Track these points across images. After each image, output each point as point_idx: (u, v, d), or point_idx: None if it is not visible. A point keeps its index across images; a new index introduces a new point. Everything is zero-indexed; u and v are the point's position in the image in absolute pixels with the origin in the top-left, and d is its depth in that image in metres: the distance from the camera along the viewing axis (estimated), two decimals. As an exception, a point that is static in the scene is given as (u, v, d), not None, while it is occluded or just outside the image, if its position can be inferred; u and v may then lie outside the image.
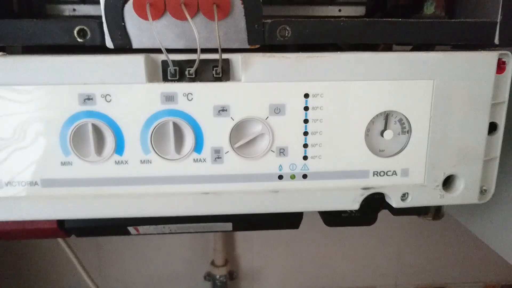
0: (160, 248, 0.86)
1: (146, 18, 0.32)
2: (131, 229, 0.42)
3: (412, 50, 0.44)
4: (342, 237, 0.89)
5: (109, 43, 0.32)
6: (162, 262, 0.88)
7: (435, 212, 0.48)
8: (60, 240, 0.56)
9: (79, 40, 0.32)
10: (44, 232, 0.41)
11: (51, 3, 0.51)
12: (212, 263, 0.86)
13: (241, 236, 0.88)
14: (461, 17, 0.43)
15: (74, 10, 0.51)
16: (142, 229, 0.42)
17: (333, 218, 0.44)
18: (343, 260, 0.91)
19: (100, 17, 0.32)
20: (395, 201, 0.37)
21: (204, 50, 0.32)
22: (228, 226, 0.43)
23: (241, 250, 0.89)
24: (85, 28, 0.32)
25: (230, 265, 0.87)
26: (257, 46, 0.34)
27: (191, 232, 0.44)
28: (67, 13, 0.51)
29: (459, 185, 0.37)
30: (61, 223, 0.41)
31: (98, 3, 0.51)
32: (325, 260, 0.91)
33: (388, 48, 0.51)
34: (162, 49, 0.31)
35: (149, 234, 0.43)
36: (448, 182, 0.38)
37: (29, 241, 0.81)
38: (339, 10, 0.53)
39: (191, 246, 0.87)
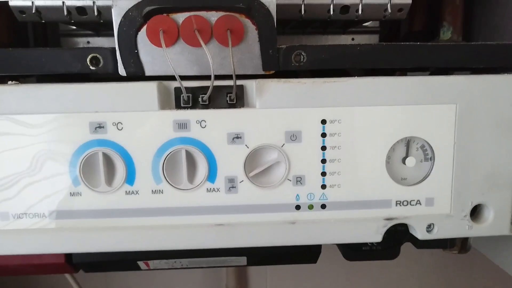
0: (170, 285, 0.83)
1: (159, 45, 0.31)
2: (141, 263, 0.40)
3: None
4: (360, 270, 0.85)
5: (121, 71, 0.32)
6: (173, 300, 0.84)
7: (461, 245, 0.46)
8: (67, 275, 0.54)
9: (91, 68, 0.32)
10: (51, 267, 0.39)
11: (66, 36, 0.52)
12: (224, 300, 0.83)
13: (255, 271, 0.84)
14: (478, 42, 0.42)
15: (88, 42, 0.52)
16: (153, 264, 0.40)
17: (353, 252, 0.41)
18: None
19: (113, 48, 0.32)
20: (420, 233, 0.35)
21: (217, 77, 0.31)
22: (242, 260, 0.41)
23: (255, 286, 0.85)
24: (97, 56, 0.32)
25: (243, 302, 0.84)
26: (272, 72, 0.33)
27: (203, 267, 0.42)
28: (81, 45, 0.52)
29: (488, 215, 0.35)
30: (68, 257, 0.39)
31: (112, 35, 0.52)
32: (343, 296, 0.86)
33: (402, 75, 0.50)
34: (175, 75, 0.30)
35: (159, 269, 0.41)
36: (476, 212, 0.35)
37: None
38: (352, 39, 0.53)
39: (203, 282, 0.84)
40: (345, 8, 0.37)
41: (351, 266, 0.82)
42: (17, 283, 0.80)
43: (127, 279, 0.82)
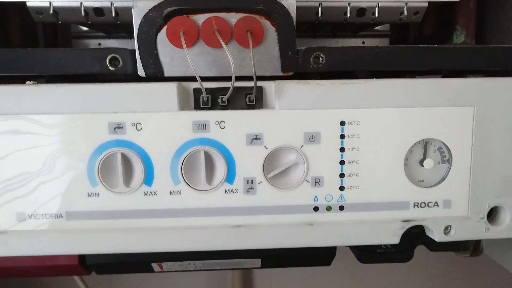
0: (175, 287, 0.83)
1: (179, 46, 0.31)
2: (154, 265, 0.40)
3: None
4: (365, 273, 0.85)
5: (141, 72, 0.32)
6: (177, 304, 0.84)
7: (474, 248, 0.46)
8: (75, 277, 0.54)
9: (110, 68, 0.32)
10: (64, 269, 0.39)
11: (77, 38, 0.52)
12: (229, 305, 0.82)
13: (260, 275, 0.84)
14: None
15: (99, 44, 0.52)
16: (166, 265, 0.40)
17: (367, 255, 0.41)
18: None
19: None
20: (437, 235, 0.35)
21: (236, 78, 0.31)
22: (257, 262, 0.40)
23: (260, 290, 0.85)
24: (117, 56, 0.32)
25: (247, 307, 0.83)
26: (291, 73, 0.33)
27: (216, 269, 0.42)
28: (92, 47, 0.52)
29: (505, 217, 0.35)
30: (82, 259, 0.39)
31: (123, 37, 0.52)
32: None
33: (411, 77, 0.51)
34: (196, 76, 0.30)
35: (173, 271, 0.41)
36: (492, 214, 0.35)
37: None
38: (363, 42, 0.53)
39: (207, 285, 0.84)
40: (361, 11, 0.37)
41: (357, 269, 0.82)
42: (21, 283, 0.79)
43: (131, 281, 0.82)
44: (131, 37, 0.50)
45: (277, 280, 0.85)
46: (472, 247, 0.45)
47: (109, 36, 0.51)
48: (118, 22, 0.37)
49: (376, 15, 0.37)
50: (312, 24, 0.44)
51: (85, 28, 0.51)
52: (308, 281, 0.85)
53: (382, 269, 0.84)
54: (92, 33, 0.51)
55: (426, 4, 0.37)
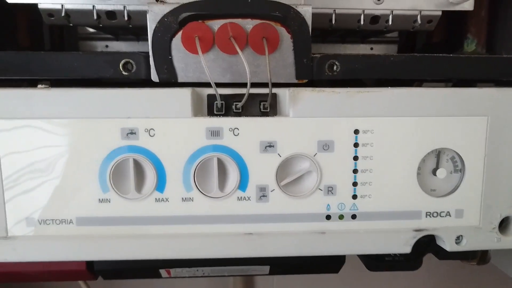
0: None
1: (194, 52, 0.31)
2: (162, 271, 0.40)
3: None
4: (367, 279, 0.84)
5: (154, 77, 0.32)
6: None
7: (481, 256, 0.45)
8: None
9: (124, 73, 0.32)
10: (71, 274, 0.38)
11: (84, 39, 0.52)
12: (230, 309, 0.82)
13: (262, 281, 0.84)
14: (502, 54, 0.42)
15: (106, 46, 0.52)
16: (175, 272, 0.39)
17: (376, 263, 0.41)
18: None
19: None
20: (449, 245, 0.35)
21: (250, 85, 0.31)
22: (265, 269, 0.40)
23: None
24: (130, 61, 0.32)
25: (248, 311, 0.83)
26: (305, 81, 0.33)
27: (224, 276, 0.41)
28: (99, 49, 0.52)
29: (516, 227, 0.35)
30: (89, 264, 0.38)
31: (131, 40, 0.52)
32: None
33: (418, 85, 0.50)
34: (211, 82, 0.30)
35: (180, 277, 0.40)
36: (503, 225, 0.35)
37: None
38: (371, 49, 0.53)
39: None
40: (375, 19, 0.37)
41: (358, 273, 0.82)
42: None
43: (133, 284, 0.81)
44: (139, 39, 0.50)
45: (278, 282, 0.84)
46: (479, 256, 0.45)
47: (117, 38, 0.51)
48: (130, 26, 0.36)
49: (390, 23, 0.37)
50: (322, 30, 0.44)
51: (92, 30, 0.51)
52: (310, 283, 0.84)
53: (385, 273, 0.84)
54: (99, 35, 0.51)
55: (440, 13, 0.37)
